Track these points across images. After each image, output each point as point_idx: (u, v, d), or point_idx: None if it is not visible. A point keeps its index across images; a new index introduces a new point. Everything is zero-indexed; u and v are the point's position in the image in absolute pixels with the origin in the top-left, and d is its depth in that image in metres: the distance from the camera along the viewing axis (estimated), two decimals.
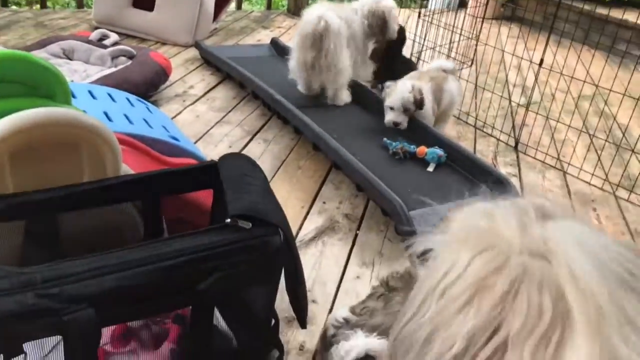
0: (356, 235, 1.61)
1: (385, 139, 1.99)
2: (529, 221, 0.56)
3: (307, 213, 1.69)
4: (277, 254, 1.02)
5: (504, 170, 2.09)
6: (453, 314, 0.53)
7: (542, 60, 2.16)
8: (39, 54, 2.37)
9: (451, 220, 0.62)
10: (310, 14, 2.17)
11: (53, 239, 1.13)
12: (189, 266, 0.94)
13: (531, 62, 2.40)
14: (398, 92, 2.05)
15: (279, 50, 2.91)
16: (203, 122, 2.21)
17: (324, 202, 1.76)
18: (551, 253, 0.52)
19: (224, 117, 2.28)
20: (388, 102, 2.08)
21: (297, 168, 1.95)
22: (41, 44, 2.46)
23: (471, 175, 1.88)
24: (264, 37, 3.37)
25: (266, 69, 2.63)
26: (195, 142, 2.03)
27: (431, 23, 2.89)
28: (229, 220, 1.01)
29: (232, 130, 2.17)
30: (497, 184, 1.77)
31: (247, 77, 2.41)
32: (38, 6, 3.84)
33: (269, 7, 4.10)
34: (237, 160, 1.19)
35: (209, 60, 2.78)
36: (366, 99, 2.34)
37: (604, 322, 0.47)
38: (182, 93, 2.45)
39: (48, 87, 1.40)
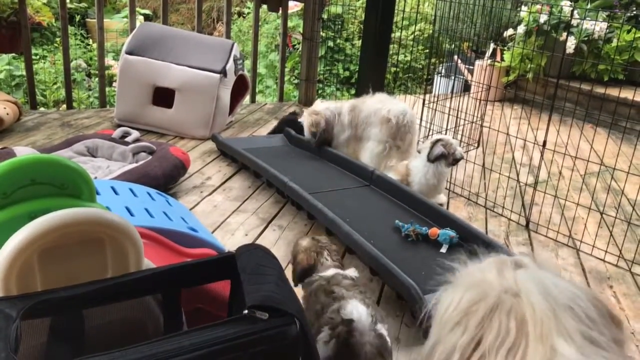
0: None
1: (397, 221, 2.03)
2: (506, 269, 0.86)
3: None
4: (294, 343, 1.05)
5: (516, 249, 2.10)
6: (447, 331, 0.80)
7: (545, 142, 2.23)
8: (65, 153, 2.51)
9: (458, 274, 0.95)
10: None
11: (78, 334, 1.17)
12: (212, 358, 0.97)
13: (535, 143, 2.48)
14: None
15: (291, 139, 3.04)
16: (220, 211, 2.28)
17: None
18: (520, 291, 0.78)
19: (240, 206, 2.35)
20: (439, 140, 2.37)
21: None
22: (67, 143, 2.60)
23: (484, 255, 1.90)
24: None
25: (280, 158, 2.74)
26: (213, 232, 2.09)
27: (435, 110, 3.02)
28: (246, 311, 1.04)
29: (247, 219, 2.23)
30: None
31: (261, 167, 2.50)
32: (64, 106, 4.07)
33: (281, 99, 4.31)
34: (253, 251, 1.24)
35: (225, 152, 2.90)
36: (377, 183, 2.41)
37: (549, 334, 0.71)
38: (200, 184, 2.54)
39: (75, 187, 1.49)
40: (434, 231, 1.96)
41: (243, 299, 1.21)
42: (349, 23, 6.41)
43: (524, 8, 4.13)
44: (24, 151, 2.37)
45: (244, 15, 7.68)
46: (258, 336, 1.02)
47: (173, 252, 1.71)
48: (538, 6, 4.04)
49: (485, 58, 4.45)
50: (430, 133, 3.11)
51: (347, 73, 6.19)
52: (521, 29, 4.29)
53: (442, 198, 2.48)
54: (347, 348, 1.24)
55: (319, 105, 2.89)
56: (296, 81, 6.05)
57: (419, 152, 2.41)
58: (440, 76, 4.68)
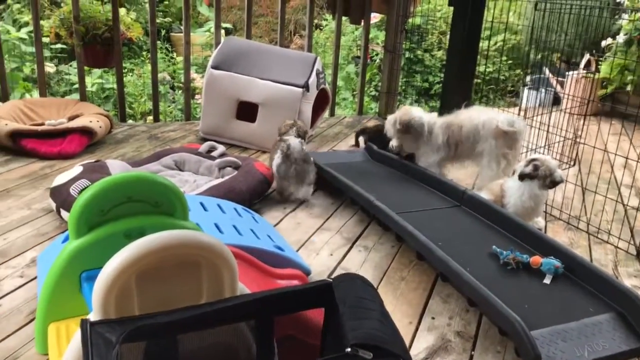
0: (471, 356, 1.50)
1: (494, 247, 1.90)
2: None
3: (416, 330, 1.61)
4: None
5: (628, 282, 1.91)
6: None
7: None
8: (154, 167, 2.56)
9: None
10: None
11: (171, 358, 1.14)
12: None
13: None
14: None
15: (373, 154, 2.95)
16: (303, 229, 2.23)
17: (433, 318, 1.67)
18: None
19: (323, 223, 2.29)
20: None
21: (401, 279, 1.89)
22: (156, 157, 2.65)
23: (592, 287, 1.73)
24: None
25: (362, 174, 2.66)
26: (297, 250, 2.04)
27: (528, 126, 2.84)
28: (349, 349, 0.97)
29: (332, 237, 2.17)
30: (622, 298, 1.61)
31: (344, 183, 2.44)
32: (150, 118, 4.22)
33: (360, 112, 4.24)
34: (352, 281, 1.17)
35: None
36: (469, 204, 2.28)
37: None
38: (283, 200, 2.51)
39: (169, 205, 1.48)
40: (536, 260, 1.81)
41: (339, 330, 1.14)
42: (429, 34, 6.27)
43: (624, 16, 3.85)
44: (115, 164, 2.43)
45: (321, 28, 7.71)
46: None
47: (262, 272, 1.68)
48: None
49: (580, 69, 4.18)
50: (524, 150, 2.93)
51: (425, 84, 6.05)
52: (621, 38, 4.00)
53: (540, 222, 2.31)
54: (287, 156, 2.43)
55: (414, 109, 2.70)
56: (373, 93, 5.98)
57: (513, 172, 2.26)
58: (528, 88, 4.45)
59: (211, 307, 1.13)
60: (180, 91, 5.71)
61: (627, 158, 2.51)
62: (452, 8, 3.55)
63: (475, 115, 2.53)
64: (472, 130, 2.50)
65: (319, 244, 2.12)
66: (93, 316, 1.06)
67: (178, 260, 1.15)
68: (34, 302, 1.65)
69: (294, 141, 2.48)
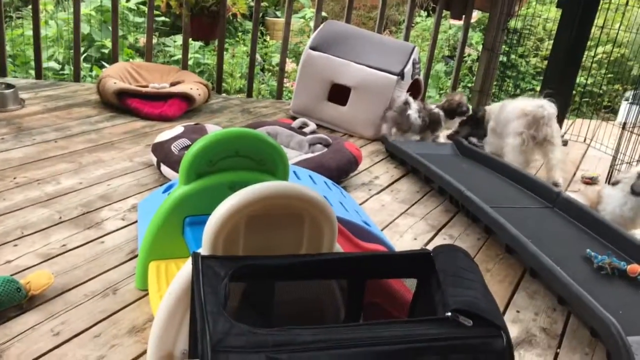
0: (557, 354, 1.46)
1: (589, 250, 1.83)
2: None
3: None
4: (499, 358, 0.95)
5: None
6: None
7: None
8: None
9: None
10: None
11: (268, 305, 1.18)
12: (411, 354, 0.92)
13: None
14: None
15: (462, 149, 2.91)
16: (388, 211, 2.24)
17: (518, 311, 1.63)
18: None
19: (408, 209, 2.29)
20: None
21: (486, 271, 1.86)
22: (250, 127, 2.74)
23: None
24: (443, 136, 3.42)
25: (450, 167, 2.63)
26: (382, 230, 2.05)
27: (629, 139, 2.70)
28: (449, 314, 0.97)
29: (416, 223, 2.17)
30: None
31: (434, 172, 2.42)
32: (244, 95, 4.35)
33: None
34: (454, 252, 1.16)
35: (393, 154, 2.86)
36: (562, 206, 2.20)
37: None
38: (368, 182, 2.53)
39: (273, 164, 1.53)
40: (634, 268, 1.72)
41: (431, 302, 1.15)
42: (526, 39, 6.06)
43: None
44: (214, 129, 2.53)
45: (413, 25, 7.64)
46: (461, 342, 0.95)
47: (349, 242, 1.70)
48: None
49: None
50: (620, 162, 2.79)
51: (517, 91, 5.87)
52: None
53: (638, 234, 2.20)
54: (402, 116, 2.96)
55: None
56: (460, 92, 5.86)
57: (618, 182, 2.16)
58: (630, 103, 4.22)
59: (310, 258, 1.17)
60: (270, 74, 5.85)
61: None
62: (557, 13, 3.42)
63: (518, 103, 2.82)
64: (507, 114, 2.81)
65: (403, 227, 2.12)
66: (202, 252, 1.12)
67: (284, 211, 1.18)
68: (134, 243, 1.76)
69: (407, 97, 2.94)
